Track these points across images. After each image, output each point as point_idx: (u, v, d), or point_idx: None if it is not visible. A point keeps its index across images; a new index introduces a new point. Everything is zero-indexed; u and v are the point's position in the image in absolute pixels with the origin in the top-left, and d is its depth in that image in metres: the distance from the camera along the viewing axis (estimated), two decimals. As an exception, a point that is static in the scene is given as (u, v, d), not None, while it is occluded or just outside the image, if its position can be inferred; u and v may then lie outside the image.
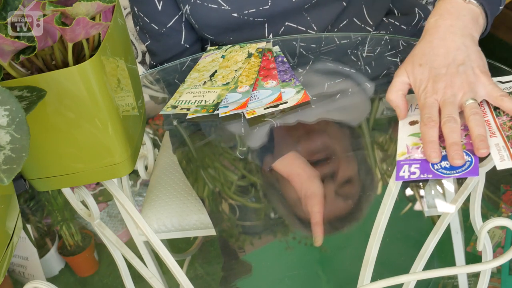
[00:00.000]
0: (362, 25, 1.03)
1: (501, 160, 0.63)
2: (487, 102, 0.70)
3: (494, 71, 0.86)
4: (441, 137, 0.67)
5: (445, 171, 0.63)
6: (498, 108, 0.69)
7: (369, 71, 0.93)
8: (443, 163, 0.64)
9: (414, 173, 0.64)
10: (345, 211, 0.77)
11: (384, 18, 1.06)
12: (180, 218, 0.98)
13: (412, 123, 0.72)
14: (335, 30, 1.04)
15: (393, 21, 1.06)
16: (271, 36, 1.03)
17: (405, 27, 1.06)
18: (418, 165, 0.65)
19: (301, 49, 1.00)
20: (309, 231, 0.77)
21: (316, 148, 0.84)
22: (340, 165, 0.81)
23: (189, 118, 0.87)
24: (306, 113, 0.85)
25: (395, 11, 1.08)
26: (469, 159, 0.64)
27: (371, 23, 1.04)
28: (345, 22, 1.03)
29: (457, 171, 0.63)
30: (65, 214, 1.50)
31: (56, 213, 1.50)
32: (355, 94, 0.90)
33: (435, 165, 0.64)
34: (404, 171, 0.65)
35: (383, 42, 0.98)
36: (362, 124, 0.88)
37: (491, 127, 0.67)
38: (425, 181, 0.82)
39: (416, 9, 1.09)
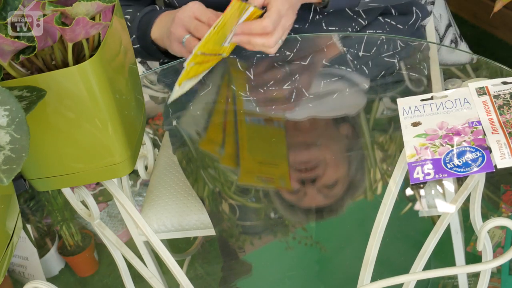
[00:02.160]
0: (354, 16, 1.02)
1: (501, 158, 0.63)
2: (491, 100, 0.70)
3: (494, 71, 0.86)
4: (447, 135, 0.67)
5: (459, 169, 0.63)
6: (502, 107, 0.69)
7: (366, 71, 0.93)
8: (456, 161, 0.64)
9: (428, 174, 0.65)
10: (323, 203, 0.79)
11: (380, 18, 1.05)
12: (180, 218, 0.98)
13: (415, 124, 0.72)
14: (325, 14, 1.01)
15: (389, 20, 1.05)
16: None
17: (401, 27, 1.06)
18: (431, 166, 0.65)
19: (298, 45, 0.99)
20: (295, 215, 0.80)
21: (305, 153, 0.85)
22: (327, 169, 0.83)
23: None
24: (298, 112, 0.86)
25: (393, 11, 1.08)
26: (481, 155, 0.64)
27: (364, 16, 1.02)
28: None
29: (471, 168, 0.63)
30: (65, 214, 1.50)
31: (56, 213, 1.50)
32: (350, 91, 0.91)
33: (448, 164, 0.64)
34: (417, 173, 0.65)
35: (379, 42, 0.97)
36: (362, 124, 0.88)
37: (494, 124, 0.67)
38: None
39: (414, 8, 1.08)
